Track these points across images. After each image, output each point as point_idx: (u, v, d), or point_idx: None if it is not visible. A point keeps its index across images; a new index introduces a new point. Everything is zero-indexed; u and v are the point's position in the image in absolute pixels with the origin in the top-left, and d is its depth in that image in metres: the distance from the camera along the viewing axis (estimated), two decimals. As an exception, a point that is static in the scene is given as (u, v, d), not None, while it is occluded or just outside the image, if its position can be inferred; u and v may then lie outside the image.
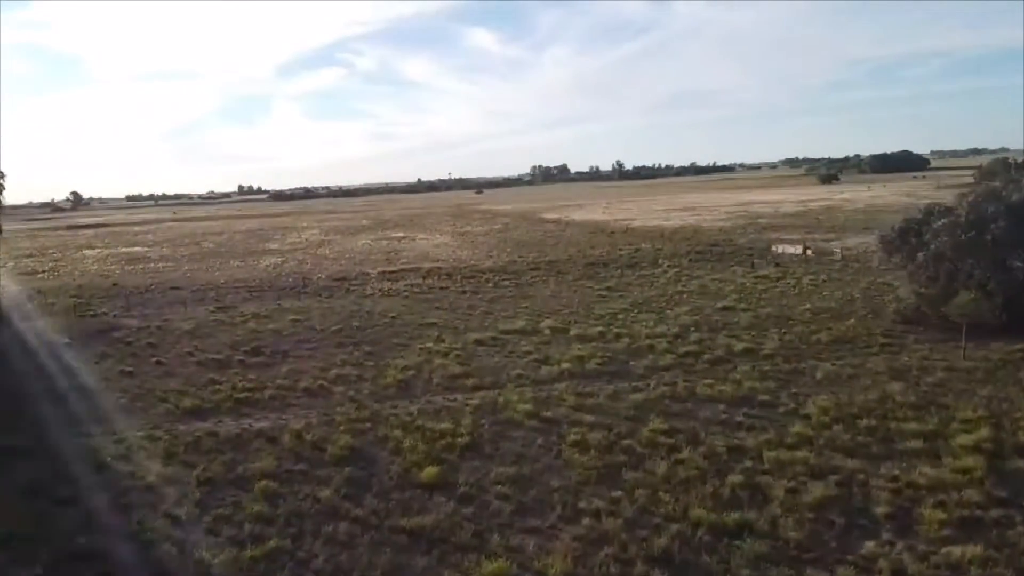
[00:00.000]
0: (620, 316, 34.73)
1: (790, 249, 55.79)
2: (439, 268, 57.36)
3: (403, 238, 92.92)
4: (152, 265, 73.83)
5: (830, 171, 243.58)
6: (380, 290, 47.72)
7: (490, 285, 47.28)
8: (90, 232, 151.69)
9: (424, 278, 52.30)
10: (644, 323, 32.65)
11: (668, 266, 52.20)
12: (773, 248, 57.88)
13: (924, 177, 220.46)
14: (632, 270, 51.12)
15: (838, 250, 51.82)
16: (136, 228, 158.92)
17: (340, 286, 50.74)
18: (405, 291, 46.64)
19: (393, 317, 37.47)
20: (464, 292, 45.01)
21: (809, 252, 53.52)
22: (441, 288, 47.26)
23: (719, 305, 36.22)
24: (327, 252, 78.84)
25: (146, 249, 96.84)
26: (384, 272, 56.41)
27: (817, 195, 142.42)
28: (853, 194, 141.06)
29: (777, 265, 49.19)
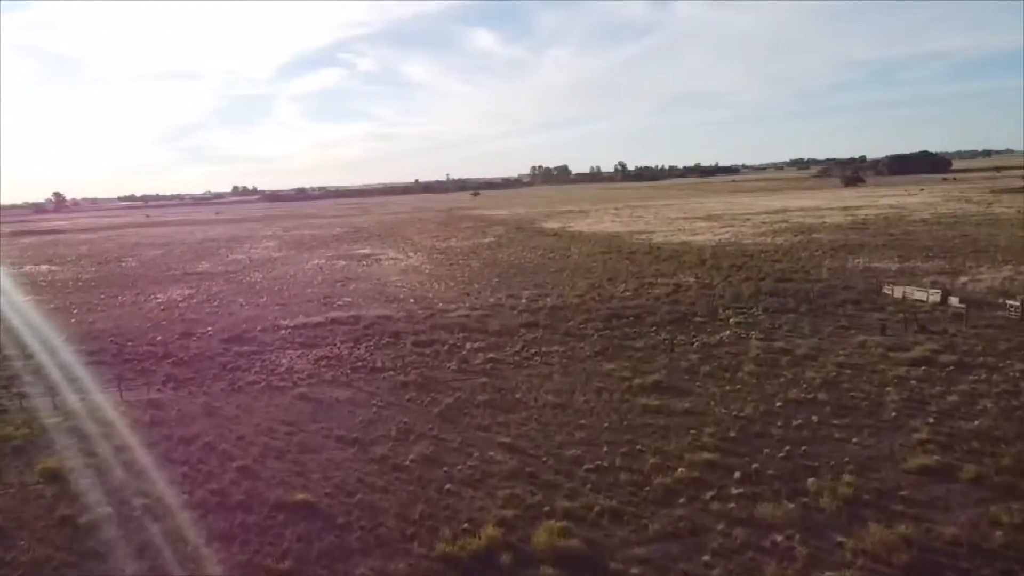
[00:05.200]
0: (713, 503, 15.80)
1: (916, 293, 36.88)
2: (388, 319, 38.42)
3: (368, 256, 74.07)
4: (23, 298, 54.99)
5: (854, 173, 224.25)
6: (273, 372, 28.80)
7: (453, 366, 28.32)
8: (31, 240, 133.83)
9: (356, 343, 33.35)
10: (787, 551, 13.76)
11: (737, 323, 33.32)
12: (885, 290, 38.94)
13: (954, 179, 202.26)
14: (683, 330, 32.21)
15: (1016, 303, 32.70)
16: (84, 236, 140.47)
17: (221, 356, 31.84)
18: (310, 378, 27.69)
19: (233, 480, 18.53)
20: (406, 384, 26.07)
21: (954, 301, 34.57)
22: (371, 371, 28.31)
23: (914, 462, 17.28)
24: (259, 278, 59.97)
25: (55, 268, 78.12)
26: (302, 327, 37.45)
27: (854, 200, 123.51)
28: (896, 199, 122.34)
29: (922, 329, 30.28)
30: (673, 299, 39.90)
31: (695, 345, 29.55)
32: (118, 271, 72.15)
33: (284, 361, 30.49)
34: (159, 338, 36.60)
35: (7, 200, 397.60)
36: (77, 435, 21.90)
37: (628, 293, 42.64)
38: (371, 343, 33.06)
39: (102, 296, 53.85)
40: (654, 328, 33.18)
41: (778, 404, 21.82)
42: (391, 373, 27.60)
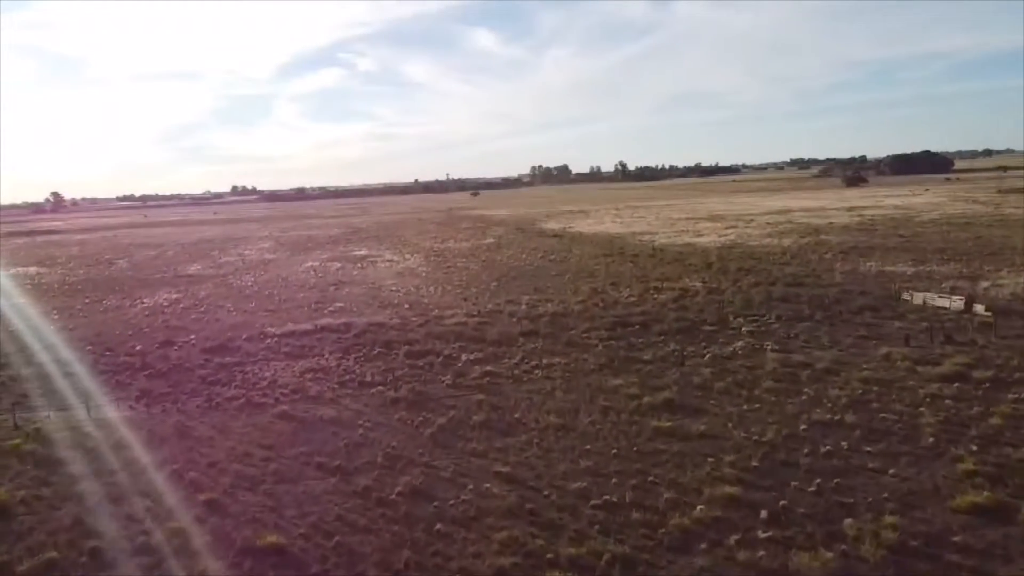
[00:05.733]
0: (739, 550, 13.85)
1: (938, 299, 34.98)
2: (381, 327, 36.53)
3: (364, 258, 72.17)
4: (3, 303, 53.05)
5: (856, 173, 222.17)
6: (255, 386, 26.88)
7: (447, 380, 26.39)
8: (23, 241, 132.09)
9: (345, 353, 31.43)
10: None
11: (749, 332, 31.44)
12: (904, 296, 37.04)
13: (958, 179, 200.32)
14: (693, 341, 30.32)
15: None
16: (78, 237, 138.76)
17: (201, 368, 29.94)
18: (293, 394, 25.78)
19: (199, 516, 16.61)
20: (396, 402, 24.14)
21: (979, 308, 32.68)
22: (360, 385, 26.40)
23: (964, 499, 15.32)
24: (250, 282, 58.08)
25: (43, 271, 76.24)
26: (290, 336, 35.55)
27: (858, 200, 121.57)
28: (901, 200, 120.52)
29: (949, 339, 28.38)
30: (680, 305, 37.99)
31: (707, 357, 27.62)
32: (107, 274, 70.27)
33: (267, 374, 28.57)
34: (138, 347, 34.68)
35: (7, 200, 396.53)
36: (33, 460, 20.00)
37: (633, 299, 40.73)
38: (361, 354, 31.13)
39: (86, 300, 51.95)
40: (662, 338, 31.27)
41: (802, 427, 19.90)
42: (381, 388, 25.67)
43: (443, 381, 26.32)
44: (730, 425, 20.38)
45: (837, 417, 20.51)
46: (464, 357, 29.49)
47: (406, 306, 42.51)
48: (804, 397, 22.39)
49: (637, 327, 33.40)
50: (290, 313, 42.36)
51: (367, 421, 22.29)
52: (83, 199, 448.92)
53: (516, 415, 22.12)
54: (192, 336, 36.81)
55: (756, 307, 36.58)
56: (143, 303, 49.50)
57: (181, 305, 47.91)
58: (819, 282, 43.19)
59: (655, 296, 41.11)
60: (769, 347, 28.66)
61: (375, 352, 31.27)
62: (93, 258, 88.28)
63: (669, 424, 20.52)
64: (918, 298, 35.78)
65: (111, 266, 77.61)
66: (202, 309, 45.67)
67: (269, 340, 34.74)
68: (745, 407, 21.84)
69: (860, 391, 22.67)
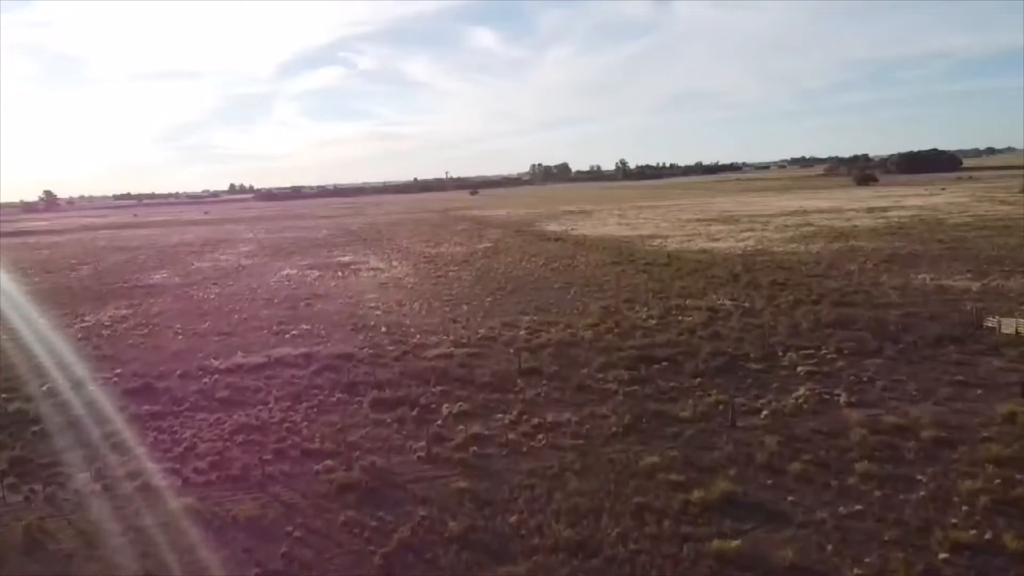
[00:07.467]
0: None
1: (1034, 328, 28.29)
2: (348, 359, 29.80)
3: (347, 266, 65.41)
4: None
5: (864, 172, 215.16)
6: (165, 455, 20.10)
7: (419, 450, 19.59)
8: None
9: (295, 401, 24.67)
10: None
11: (808, 373, 24.74)
12: (988, 323, 30.35)
13: (970, 178, 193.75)
14: (737, 383, 23.60)
15: None
16: (54, 239, 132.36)
17: (107, 423, 23.22)
18: (211, 470, 19.02)
19: None
20: (345, 490, 17.36)
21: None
22: (302, 457, 19.65)
23: None
24: (214, 294, 51.35)
25: (-3, 277, 69.43)
26: (235, 371, 28.80)
27: (874, 201, 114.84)
28: (921, 199, 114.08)
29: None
30: (712, 332, 31.28)
31: (764, 415, 20.93)
32: (63, 283, 63.53)
33: (187, 433, 21.83)
34: (45, 387, 27.96)
35: (5, 199, 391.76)
36: None
37: (653, 322, 34.04)
38: (315, 402, 24.41)
39: (17, 319, 45.18)
40: (698, 380, 24.56)
41: (942, 555, 13.21)
42: (329, 463, 18.92)
43: (414, 450, 19.61)
44: (829, 546, 13.69)
45: (987, 535, 13.81)
46: (446, 409, 22.79)
47: (383, 329, 35.78)
48: (923, 492, 15.68)
49: (664, 364, 26.68)
50: (245, 337, 35.65)
51: (299, 527, 15.58)
52: (80, 198, 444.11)
53: (511, 519, 15.40)
54: (118, 371, 30.08)
55: (806, 335, 29.91)
56: (83, 322, 42.76)
57: (125, 324, 41.21)
58: (872, 301, 36.50)
59: (679, 318, 34.42)
60: (842, 398, 21.99)
61: (333, 399, 24.55)
62: (59, 263, 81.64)
63: (737, 544, 13.81)
64: (1007, 325, 29.09)
65: (72, 273, 70.89)
66: (145, 331, 38.95)
67: (207, 378, 27.99)
68: (841, 509, 15.13)
69: (998, 480, 15.98)
